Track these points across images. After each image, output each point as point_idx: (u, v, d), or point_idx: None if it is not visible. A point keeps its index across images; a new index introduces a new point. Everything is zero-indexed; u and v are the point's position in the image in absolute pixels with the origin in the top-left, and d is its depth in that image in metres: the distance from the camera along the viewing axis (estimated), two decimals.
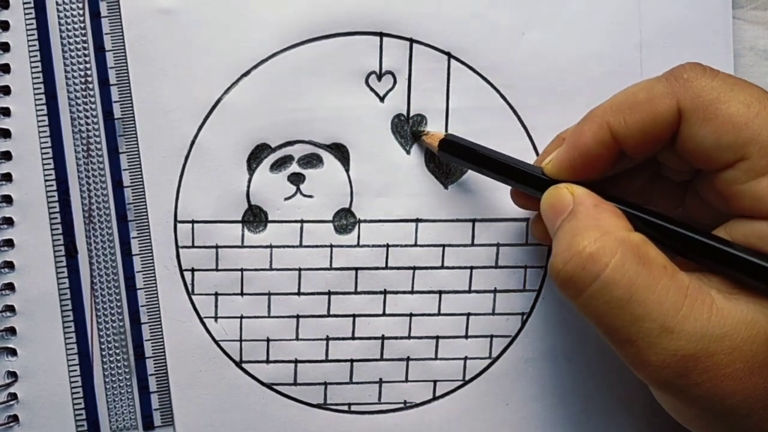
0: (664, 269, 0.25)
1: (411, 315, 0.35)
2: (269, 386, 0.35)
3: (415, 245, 0.35)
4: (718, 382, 0.25)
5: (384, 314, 0.35)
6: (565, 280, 0.26)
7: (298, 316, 0.35)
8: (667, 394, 0.27)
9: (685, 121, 0.26)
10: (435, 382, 0.35)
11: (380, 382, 0.35)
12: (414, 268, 0.35)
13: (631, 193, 0.31)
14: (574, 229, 0.27)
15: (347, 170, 0.34)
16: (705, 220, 0.30)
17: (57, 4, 0.33)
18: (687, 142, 0.27)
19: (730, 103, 0.26)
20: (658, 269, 0.25)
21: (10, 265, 0.34)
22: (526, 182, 0.30)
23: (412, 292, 0.35)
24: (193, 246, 0.34)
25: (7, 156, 0.34)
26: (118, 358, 0.35)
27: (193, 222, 0.34)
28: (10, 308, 0.34)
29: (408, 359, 0.35)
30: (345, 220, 0.35)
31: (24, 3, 0.33)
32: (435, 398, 0.35)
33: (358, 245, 0.35)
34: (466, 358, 0.35)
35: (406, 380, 0.35)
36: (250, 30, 0.34)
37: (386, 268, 0.35)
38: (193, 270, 0.35)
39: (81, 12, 0.33)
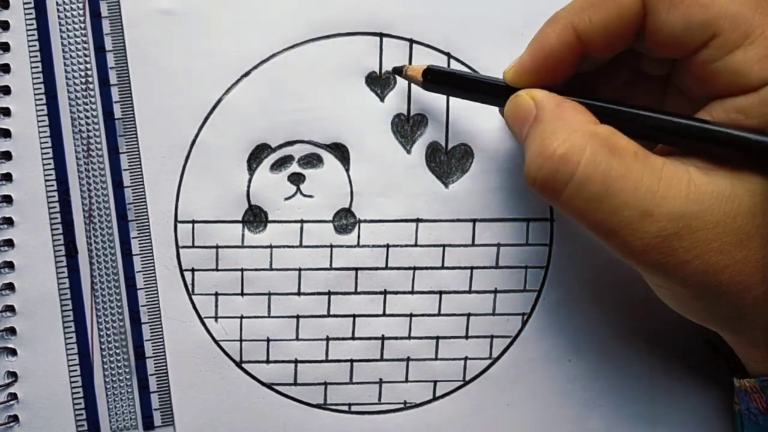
0: (635, 156, 0.26)
1: (411, 315, 0.35)
2: (269, 386, 0.35)
3: (415, 245, 0.35)
4: (707, 257, 0.25)
5: (384, 314, 0.35)
6: (542, 186, 0.26)
7: (298, 316, 0.35)
8: (660, 278, 0.27)
9: (651, 12, 0.26)
10: (435, 382, 0.35)
11: (380, 382, 0.35)
12: (414, 269, 0.35)
13: (610, 94, 0.31)
14: (542, 133, 0.27)
15: (347, 170, 0.34)
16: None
17: (57, 4, 0.33)
18: (657, 33, 0.27)
19: None
20: (630, 157, 0.26)
21: (10, 265, 0.34)
22: (496, 95, 0.30)
23: (412, 292, 0.35)
24: (193, 246, 0.34)
25: (7, 156, 0.34)
26: (118, 358, 0.35)
27: (193, 222, 0.34)
28: (10, 308, 0.34)
29: (408, 359, 0.35)
30: (345, 220, 0.35)
31: (24, 3, 0.33)
32: (435, 398, 0.35)
33: (358, 245, 0.35)
34: (466, 359, 0.35)
35: (406, 380, 0.35)
36: (251, 30, 0.34)
37: (386, 268, 0.35)
38: (193, 270, 0.35)
39: (81, 12, 0.33)
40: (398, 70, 0.33)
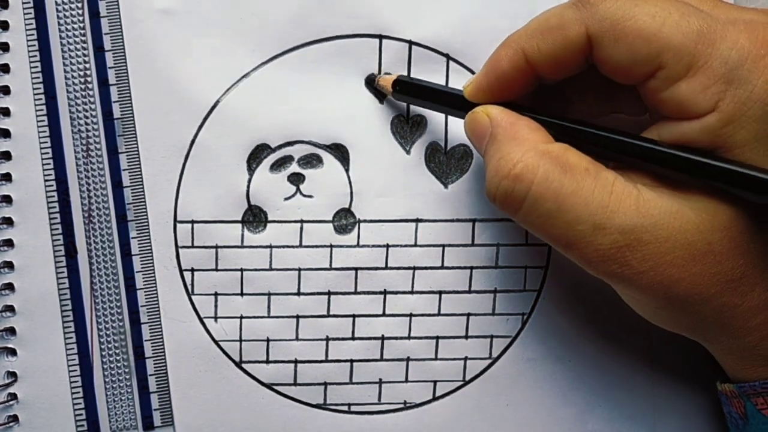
0: (586, 171, 0.27)
1: (411, 315, 0.35)
2: (269, 386, 0.35)
3: (415, 245, 0.35)
4: (661, 270, 0.26)
5: (384, 314, 0.35)
6: (501, 203, 0.28)
7: (298, 317, 0.35)
8: (621, 287, 0.28)
9: (596, 45, 0.27)
10: (435, 382, 0.35)
11: (380, 382, 0.35)
12: (414, 268, 0.35)
13: (585, 101, 0.31)
14: (498, 152, 0.28)
15: (347, 170, 0.34)
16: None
17: (56, 4, 0.33)
18: (604, 63, 0.27)
19: (636, 18, 0.26)
20: (581, 173, 0.27)
21: (9, 265, 0.34)
22: (459, 108, 0.31)
23: (412, 292, 0.35)
24: (193, 246, 0.34)
25: (7, 156, 0.34)
26: (118, 358, 0.35)
27: (192, 222, 0.34)
28: (10, 308, 0.34)
29: (408, 359, 0.35)
30: (345, 220, 0.35)
31: (23, 3, 0.33)
32: (435, 398, 0.35)
33: (358, 245, 0.35)
34: (466, 359, 0.35)
35: (406, 380, 0.35)
36: (250, 31, 0.34)
37: (386, 268, 0.35)
38: (192, 270, 0.35)
39: (80, 12, 0.33)
40: (370, 81, 0.34)
